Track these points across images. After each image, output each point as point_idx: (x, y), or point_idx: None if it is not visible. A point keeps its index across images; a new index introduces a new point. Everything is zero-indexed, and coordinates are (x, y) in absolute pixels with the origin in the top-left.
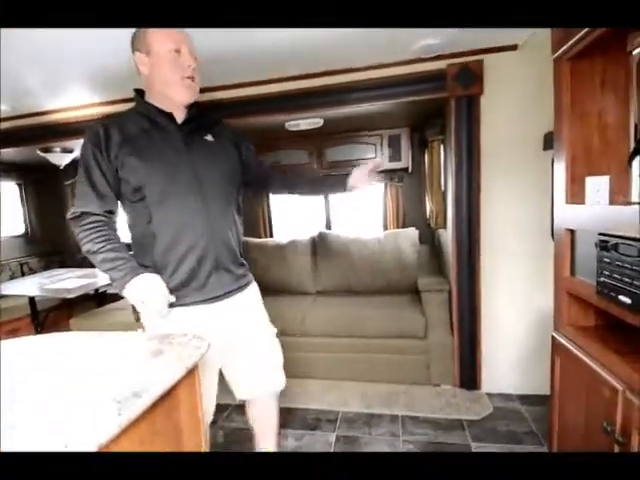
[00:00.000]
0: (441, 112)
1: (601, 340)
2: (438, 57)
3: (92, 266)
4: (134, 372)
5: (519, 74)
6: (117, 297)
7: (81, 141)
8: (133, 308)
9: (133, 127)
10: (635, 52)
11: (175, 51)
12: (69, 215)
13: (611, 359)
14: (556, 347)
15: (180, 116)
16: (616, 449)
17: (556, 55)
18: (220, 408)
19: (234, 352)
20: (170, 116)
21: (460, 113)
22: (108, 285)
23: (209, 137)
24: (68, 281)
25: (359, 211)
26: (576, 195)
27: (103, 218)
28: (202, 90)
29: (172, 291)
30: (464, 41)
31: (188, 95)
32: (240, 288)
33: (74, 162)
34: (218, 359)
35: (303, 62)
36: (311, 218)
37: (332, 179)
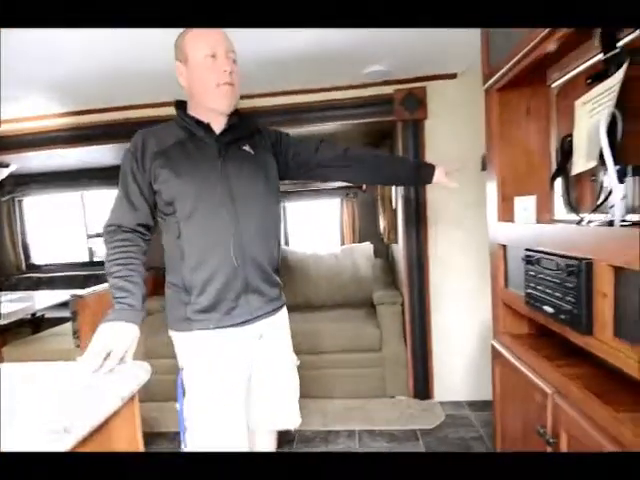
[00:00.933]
0: (390, 134)
1: (533, 347)
2: (386, 82)
3: (28, 288)
4: (66, 405)
5: (459, 100)
6: (56, 322)
7: (17, 155)
8: (74, 334)
9: (170, 138)
10: (553, 85)
11: (211, 56)
12: (104, 228)
13: (541, 364)
14: (495, 355)
15: (219, 126)
16: (548, 450)
17: (486, 86)
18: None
19: (254, 380)
20: (207, 127)
21: (407, 136)
22: (47, 309)
23: (247, 148)
24: (1, 305)
25: (317, 226)
26: (506, 213)
27: (135, 235)
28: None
29: (200, 313)
30: (408, 68)
31: (225, 103)
32: (271, 312)
33: (10, 177)
34: (242, 386)
35: (262, 81)
36: None
37: (416, 166)
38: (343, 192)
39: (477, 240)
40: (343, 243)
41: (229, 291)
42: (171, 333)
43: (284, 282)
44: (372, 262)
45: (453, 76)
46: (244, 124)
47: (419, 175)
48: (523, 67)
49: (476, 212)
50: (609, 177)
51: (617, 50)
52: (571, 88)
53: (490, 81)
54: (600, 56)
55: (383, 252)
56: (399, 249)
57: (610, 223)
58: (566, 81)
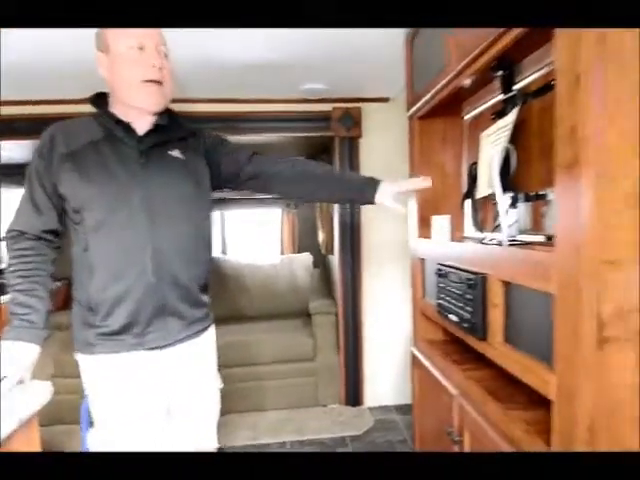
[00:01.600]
0: (328, 148)
1: (444, 352)
2: (325, 100)
3: None
4: None
5: (391, 122)
6: None
7: None
8: None
9: (83, 136)
10: (466, 117)
11: (138, 48)
12: (5, 233)
13: (450, 368)
14: (414, 361)
15: (143, 127)
16: (455, 449)
17: (409, 113)
18: None
19: (172, 408)
20: (128, 127)
21: (343, 152)
22: None
23: (176, 152)
24: None
25: (257, 235)
26: (425, 230)
27: (40, 243)
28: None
29: (107, 336)
30: (346, 89)
31: (151, 101)
32: (193, 335)
33: None
34: (157, 418)
35: (203, 86)
36: None
37: (358, 182)
38: (284, 202)
39: (407, 253)
40: (283, 253)
41: (142, 313)
42: (77, 355)
43: (216, 293)
44: (311, 272)
45: (386, 100)
46: (174, 126)
47: (363, 195)
48: (440, 99)
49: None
50: (498, 203)
51: (513, 93)
52: (480, 121)
53: (413, 109)
54: (501, 96)
55: (322, 262)
56: (335, 260)
57: (510, 242)
58: (476, 114)
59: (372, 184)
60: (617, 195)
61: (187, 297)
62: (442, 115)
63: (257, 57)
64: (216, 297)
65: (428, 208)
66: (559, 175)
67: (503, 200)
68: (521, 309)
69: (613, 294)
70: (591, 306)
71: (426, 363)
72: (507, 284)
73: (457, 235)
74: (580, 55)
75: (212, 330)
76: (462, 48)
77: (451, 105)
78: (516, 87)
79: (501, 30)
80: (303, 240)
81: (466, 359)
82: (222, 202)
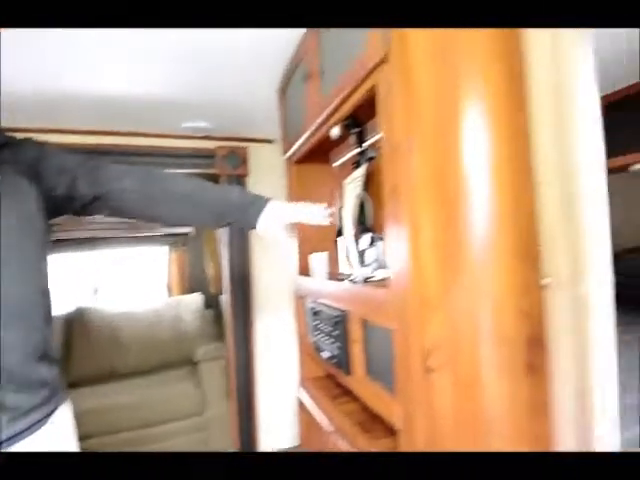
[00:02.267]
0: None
1: (324, 388)
2: (209, 137)
3: None
4: None
5: (277, 163)
6: None
7: None
8: None
9: None
10: (334, 165)
11: None
12: None
13: (327, 405)
14: (298, 401)
15: None
16: None
17: (285, 157)
18: None
19: None
20: None
21: None
22: None
23: None
24: None
25: (139, 277)
26: (305, 268)
27: None
28: None
29: None
30: (229, 128)
31: None
32: (27, 431)
33: None
34: None
35: (78, 116)
36: (73, 286)
37: (239, 200)
38: (171, 239)
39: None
40: (170, 295)
41: None
42: None
43: (82, 352)
44: (201, 314)
45: (270, 142)
46: None
47: (244, 216)
48: (310, 147)
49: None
50: (349, 244)
51: (364, 148)
52: (347, 168)
53: (288, 153)
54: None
55: (215, 302)
56: (225, 300)
57: (366, 280)
58: (343, 163)
59: (257, 204)
60: (426, 242)
61: (14, 379)
62: (315, 161)
63: (139, 91)
64: (83, 356)
65: (308, 245)
66: (387, 224)
67: (353, 241)
68: (375, 344)
69: (432, 328)
70: (417, 339)
71: (309, 402)
72: (365, 320)
73: (333, 272)
74: (393, 127)
75: (64, 411)
76: (317, 105)
77: (322, 152)
78: (365, 144)
79: (347, 93)
80: (195, 279)
81: (342, 393)
82: (89, 241)
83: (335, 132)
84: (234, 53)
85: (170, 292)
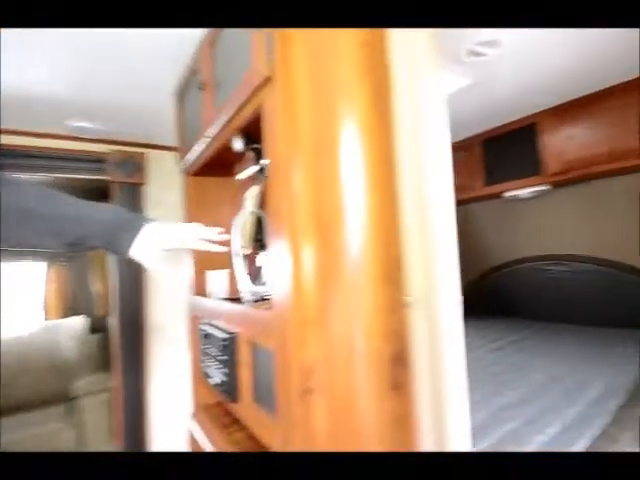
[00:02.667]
0: (107, 195)
1: (215, 417)
2: (101, 141)
3: None
4: None
5: (177, 172)
6: None
7: None
8: None
9: None
10: (237, 178)
11: None
12: None
13: (217, 435)
14: (190, 430)
15: None
16: None
17: (182, 168)
18: None
19: None
20: None
21: (123, 199)
22: None
23: None
24: None
25: (7, 296)
26: (201, 286)
27: None
28: None
29: None
30: (124, 132)
31: None
32: None
33: None
34: None
35: None
36: None
37: (107, 222)
38: (49, 252)
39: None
40: (48, 318)
41: None
42: None
43: None
44: (83, 340)
45: (171, 149)
46: None
47: (113, 242)
48: (208, 159)
49: None
50: (235, 265)
51: (261, 165)
52: (250, 183)
53: (184, 164)
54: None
55: (102, 326)
56: (114, 323)
57: (263, 299)
58: (244, 178)
59: (130, 227)
60: (306, 263)
61: None
62: (217, 174)
63: (20, 86)
64: None
65: (204, 264)
66: (271, 246)
67: (241, 259)
68: (262, 368)
69: (310, 349)
70: (297, 360)
71: (200, 433)
72: (254, 343)
73: (234, 290)
74: (276, 148)
75: None
76: (212, 116)
77: (224, 165)
78: (263, 161)
79: (236, 109)
80: (78, 299)
81: (232, 421)
82: None
83: (237, 145)
84: (132, 53)
85: (47, 315)
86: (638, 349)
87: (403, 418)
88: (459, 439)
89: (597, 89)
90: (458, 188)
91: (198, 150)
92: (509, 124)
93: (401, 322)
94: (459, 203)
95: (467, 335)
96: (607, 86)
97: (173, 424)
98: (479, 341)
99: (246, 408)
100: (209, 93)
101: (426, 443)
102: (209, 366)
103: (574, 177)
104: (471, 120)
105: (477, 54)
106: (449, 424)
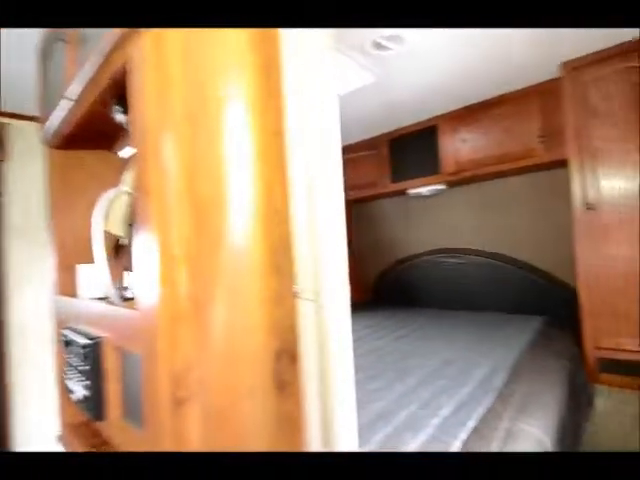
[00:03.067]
0: None
1: (84, 436)
2: None
3: None
4: None
5: None
6: None
7: None
8: None
9: None
10: (119, 154)
11: None
12: None
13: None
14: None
15: None
16: None
17: (43, 140)
18: None
19: None
20: None
21: None
22: None
23: None
24: None
25: None
26: (69, 284)
27: None
28: None
29: None
30: None
31: None
32: None
33: None
34: None
35: None
36: None
37: None
38: None
39: None
40: None
41: None
42: None
43: None
44: None
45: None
46: None
47: None
48: (77, 128)
49: None
50: (97, 253)
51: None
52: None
53: (46, 135)
54: None
55: None
56: None
57: (128, 298)
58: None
59: None
60: (177, 251)
61: None
62: (91, 147)
63: None
64: None
65: (71, 256)
66: (135, 229)
67: (101, 249)
68: (132, 377)
69: (182, 351)
70: (166, 365)
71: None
72: (122, 349)
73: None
74: (144, 114)
75: None
76: (74, 76)
77: (103, 137)
78: None
79: (100, 66)
80: None
81: (104, 441)
82: None
83: (117, 116)
84: None
85: None
86: (520, 330)
87: (290, 418)
88: (346, 437)
89: (495, 94)
90: (368, 185)
91: (60, 116)
92: (413, 125)
93: (288, 315)
94: (369, 199)
95: (372, 325)
96: (504, 92)
97: (45, 448)
98: (382, 331)
99: (114, 427)
100: (73, 46)
101: (314, 442)
102: (70, 379)
103: (466, 177)
104: (379, 120)
105: (382, 47)
106: (336, 421)
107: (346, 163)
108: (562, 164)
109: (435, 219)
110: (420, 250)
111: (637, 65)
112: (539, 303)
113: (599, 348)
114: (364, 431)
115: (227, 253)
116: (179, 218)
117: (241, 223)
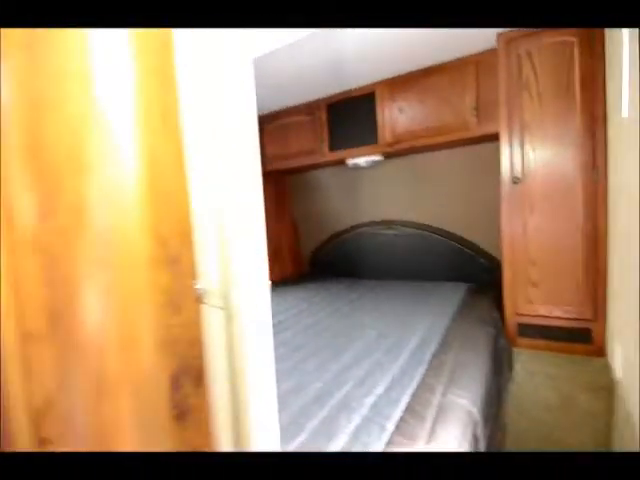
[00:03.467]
0: None
1: None
2: None
3: None
4: None
5: None
6: None
7: None
8: None
9: None
10: None
11: None
12: None
13: None
14: None
15: None
16: None
17: None
18: None
19: None
20: None
21: None
22: None
23: None
24: None
25: None
26: None
27: None
28: None
29: None
30: None
31: None
32: None
33: None
34: None
35: None
36: None
37: None
38: None
39: None
40: None
41: None
42: None
43: None
44: None
45: None
46: None
47: None
48: None
49: None
50: None
51: None
52: None
53: None
54: None
55: None
56: None
57: None
58: None
59: None
60: (19, 242)
61: None
62: None
63: None
64: None
65: None
66: None
67: None
68: None
69: (42, 379)
70: (20, 398)
71: None
72: None
73: None
74: None
75: None
76: None
77: None
78: None
79: None
80: None
81: None
82: None
83: None
84: None
85: None
86: (449, 299)
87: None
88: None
89: (434, 62)
90: (306, 153)
91: None
92: (353, 90)
93: (189, 325)
94: (308, 169)
95: (309, 298)
96: (442, 61)
97: None
98: (319, 304)
99: None
100: None
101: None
102: None
103: (403, 149)
104: (318, 81)
105: None
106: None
107: (282, 129)
108: (495, 138)
109: (373, 190)
110: (358, 222)
111: (571, 39)
112: (467, 272)
113: (518, 314)
114: (300, 417)
115: (95, 239)
116: (20, 186)
117: (113, 197)
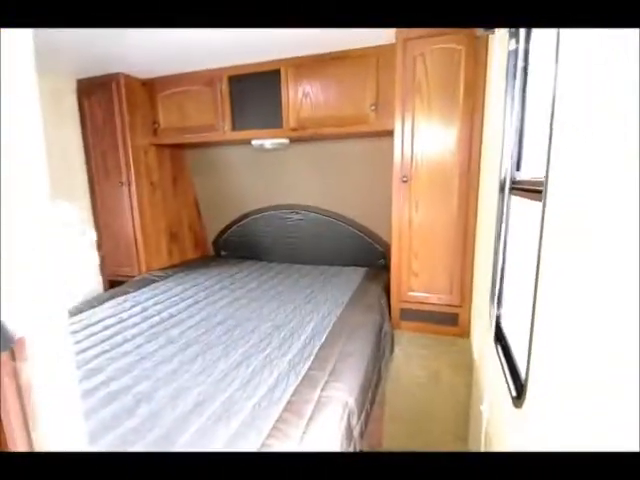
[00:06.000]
0: None
1: None
2: None
3: None
4: None
5: None
6: None
7: None
8: None
9: None
10: None
11: None
12: None
13: None
14: None
15: None
16: None
17: None
18: None
19: None
20: None
21: None
22: None
23: None
24: None
25: None
26: None
27: None
28: None
29: None
30: None
31: None
32: None
33: None
34: None
35: None
36: None
37: None
38: None
39: None
40: None
41: None
42: None
43: None
44: None
45: None
46: None
47: None
48: None
49: None
50: None
51: None
52: None
53: None
54: None
55: None
56: None
57: None
58: None
59: None
60: None
61: None
62: None
63: None
64: None
65: None
66: None
67: None
68: None
69: None
70: None
71: None
72: None
73: None
74: None
75: None
76: None
77: None
78: None
79: None
80: None
81: None
82: None
83: None
84: None
85: None
86: (345, 285)
87: None
88: None
89: (343, 48)
90: (206, 128)
91: None
92: (257, 65)
93: None
94: (209, 145)
95: (210, 286)
96: (349, 48)
97: None
98: (220, 292)
99: None
100: None
101: None
102: None
103: (307, 136)
104: (216, 47)
105: None
106: None
107: (178, 98)
108: (392, 134)
109: (279, 174)
110: (265, 205)
111: (456, 47)
112: (366, 257)
113: (402, 300)
114: (173, 430)
115: None
116: None
117: None
